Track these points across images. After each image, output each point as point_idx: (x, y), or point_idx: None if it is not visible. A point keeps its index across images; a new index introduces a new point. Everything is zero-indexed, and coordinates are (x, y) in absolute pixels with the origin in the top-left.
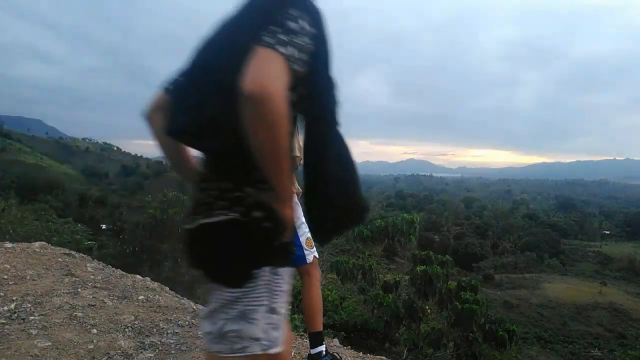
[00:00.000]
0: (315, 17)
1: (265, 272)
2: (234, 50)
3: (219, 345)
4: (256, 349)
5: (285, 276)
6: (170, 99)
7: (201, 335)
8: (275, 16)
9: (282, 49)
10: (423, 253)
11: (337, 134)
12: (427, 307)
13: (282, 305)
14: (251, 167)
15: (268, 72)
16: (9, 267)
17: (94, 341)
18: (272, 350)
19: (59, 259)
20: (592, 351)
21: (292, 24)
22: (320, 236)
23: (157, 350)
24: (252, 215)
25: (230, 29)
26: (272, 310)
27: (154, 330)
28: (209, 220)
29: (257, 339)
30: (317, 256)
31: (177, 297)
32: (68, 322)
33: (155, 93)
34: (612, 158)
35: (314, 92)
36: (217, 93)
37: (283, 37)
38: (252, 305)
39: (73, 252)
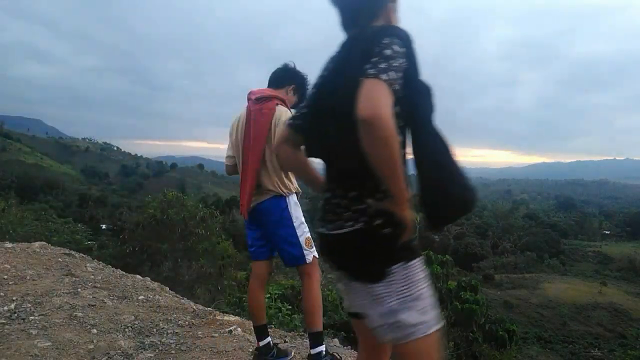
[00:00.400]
0: (403, 38)
1: (398, 267)
2: (344, 84)
3: (393, 333)
4: (418, 334)
5: (419, 265)
6: (301, 128)
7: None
8: (373, 48)
9: (383, 76)
10: (423, 253)
11: (433, 135)
12: None
13: (425, 290)
14: (368, 180)
15: (376, 98)
16: (9, 267)
17: (94, 341)
18: (431, 331)
19: (59, 259)
20: (592, 351)
21: (387, 51)
22: (430, 225)
23: (157, 350)
24: (374, 224)
25: (338, 66)
26: (418, 297)
27: (154, 330)
28: (341, 231)
29: (414, 325)
30: (317, 256)
31: (177, 297)
32: (68, 322)
33: (282, 130)
34: (612, 158)
35: (409, 101)
36: (334, 121)
37: (382, 65)
38: (399, 298)
39: (73, 252)
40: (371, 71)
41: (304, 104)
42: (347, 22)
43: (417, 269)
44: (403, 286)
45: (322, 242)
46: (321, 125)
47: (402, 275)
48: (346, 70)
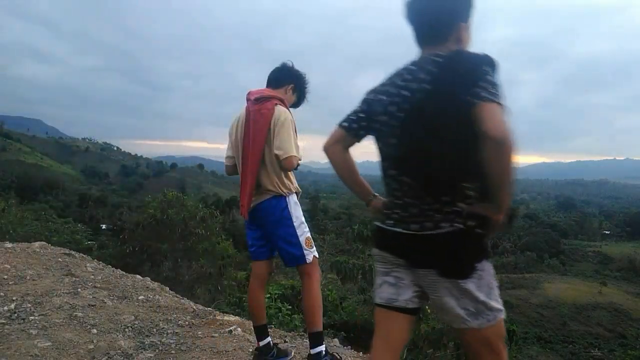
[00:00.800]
0: (494, 67)
1: (485, 263)
2: (448, 103)
3: (478, 320)
4: (500, 316)
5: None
6: (356, 133)
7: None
8: (476, 74)
9: (498, 100)
10: None
11: None
12: (427, 307)
13: (496, 281)
14: (459, 188)
15: (502, 120)
16: (9, 267)
17: (94, 341)
18: (504, 314)
19: (59, 259)
20: (592, 351)
21: (490, 78)
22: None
23: (157, 350)
24: (469, 225)
25: (437, 86)
26: (496, 286)
27: (154, 330)
28: (438, 231)
29: (499, 310)
30: (317, 256)
31: (177, 297)
32: (68, 322)
33: (334, 129)
34: (612, 158)
35: None
36: (432, 135)
37: (493, 90)
38: (488, 288)
39: (73, 252)
40: (486, 95)
41: (375, 112)
42: (424, 38)
43: (490, 263)
44: (489, 279)
45: (397, 241)
46: (415, 136)
47: (487, 270)
48: (452, 91)
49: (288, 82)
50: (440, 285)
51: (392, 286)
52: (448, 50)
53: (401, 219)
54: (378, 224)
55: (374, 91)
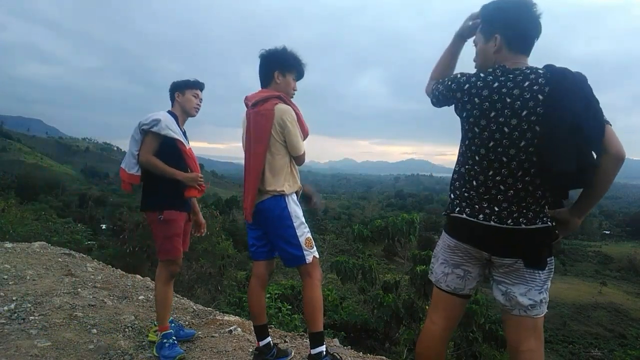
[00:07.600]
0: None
1: (552, 259)
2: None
3: (536, 310)
4: (546, 309)
5: None
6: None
7: (513, 309)
8: (592, 96)
9: (609, 122)
10: (423, 253)
11: None
12: (427, 307)
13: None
14: (550, 196)
15: (620, 143)
16: (9, 267)
17: (94, 341)
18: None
19: (59, 259)
20: (592, 351)
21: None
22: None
23: None
24: (552, 225)
25: (556, 99)
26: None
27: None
28: (533, 226)
29: (547, 303)
30: (317, 256)
31: (177, 297)
32: (68, 322)
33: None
34: None
35: None
36: (545, 140)
37: (605, 117)
38: (549, 282)
39: (73, 252)
40: (607, 120)
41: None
42: (525, 46)
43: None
44: (552, 273)
45: (486, 234)
46: (528, 143)
47: (552, 266)
48: (569, 107)
49: (271, 72)
50: (519, 274)
51: (460, 278)
52: (526, 64)
53: (495, 215)
54: (463, 217)
55: (470, 81)
